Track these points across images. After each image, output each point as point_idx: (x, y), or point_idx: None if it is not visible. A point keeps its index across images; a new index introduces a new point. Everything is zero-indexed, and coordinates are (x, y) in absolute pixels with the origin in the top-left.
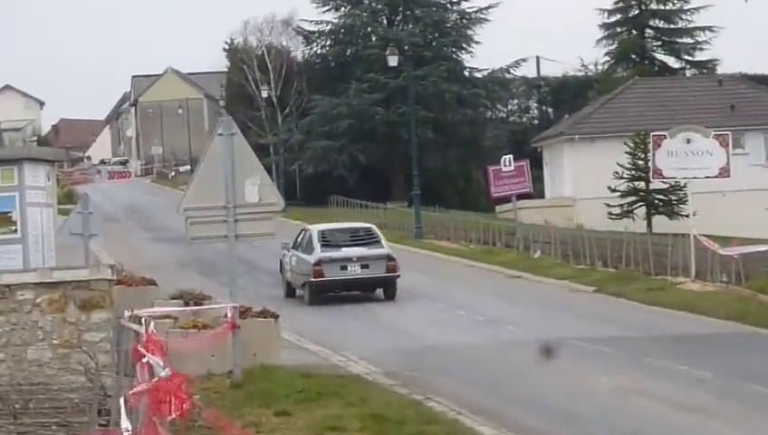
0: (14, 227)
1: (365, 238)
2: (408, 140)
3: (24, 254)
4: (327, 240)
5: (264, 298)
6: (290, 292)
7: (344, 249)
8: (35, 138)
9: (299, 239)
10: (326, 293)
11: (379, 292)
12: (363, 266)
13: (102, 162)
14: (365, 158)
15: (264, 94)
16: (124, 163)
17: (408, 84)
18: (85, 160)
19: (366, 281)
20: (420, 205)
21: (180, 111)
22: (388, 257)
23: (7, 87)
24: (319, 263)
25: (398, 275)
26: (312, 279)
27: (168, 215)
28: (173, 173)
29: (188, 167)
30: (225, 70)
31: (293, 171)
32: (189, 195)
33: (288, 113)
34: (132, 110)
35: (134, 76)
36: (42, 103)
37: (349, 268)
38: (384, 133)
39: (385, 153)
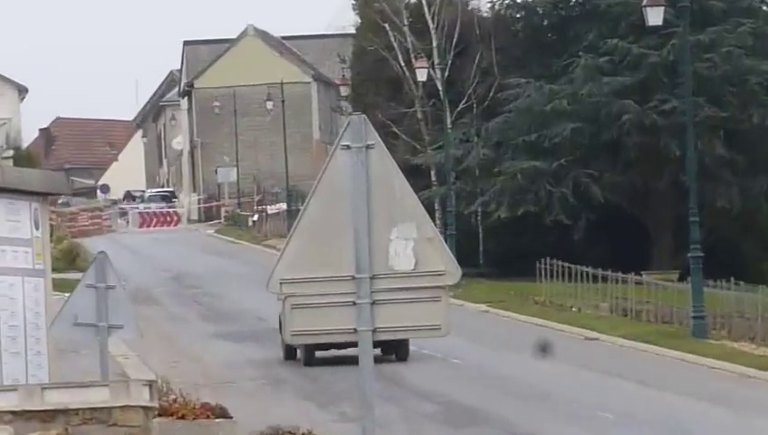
0: None
1: None
2: (679, 160)
3: None
4: None
5: None
6: (289, 353)
7: None
8: (10, 151)
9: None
10: (322, 349)
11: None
12: None
13: (130, 196)
14: (602, 190)
15: (422, 76)
16: (167, 198)
17: (680, 58)
18: (99, 193)
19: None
20: (702, 277)
21: (270, 104)
22: None
23: None
24: None
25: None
26: None
27: (247, 291)
28: (255, 216)
29: (283, 206)
30: (351, 32)
31: (473, 215)
32: (289, 257)
33: (464, 110)
34: (183, 102)
35: (187, 43)
36: (22, 91)
37: None
38: (637, 147)
39: (638, 183)
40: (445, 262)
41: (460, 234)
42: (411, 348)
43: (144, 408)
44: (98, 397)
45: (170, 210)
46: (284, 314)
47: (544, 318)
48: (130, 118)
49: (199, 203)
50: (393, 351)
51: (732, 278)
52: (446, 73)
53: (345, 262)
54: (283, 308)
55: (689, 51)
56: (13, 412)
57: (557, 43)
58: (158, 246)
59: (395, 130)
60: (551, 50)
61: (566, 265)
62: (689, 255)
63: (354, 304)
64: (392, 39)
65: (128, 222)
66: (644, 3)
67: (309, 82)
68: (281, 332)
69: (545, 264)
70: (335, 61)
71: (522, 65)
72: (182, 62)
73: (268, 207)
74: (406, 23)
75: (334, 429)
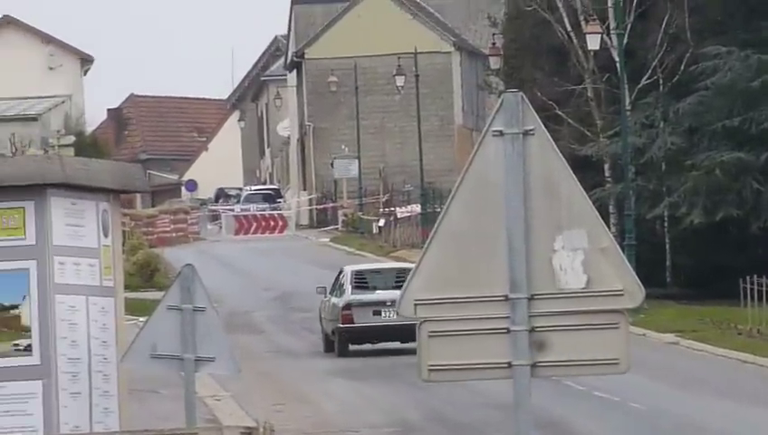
0: (23, 342)
1: (405, 281)
2: None
3: (47, 401)
4: (361, 282)
5: None
6: (329, 345)
7: (379, 292)
8: (71, 137)
9: (336, 282)
10: (357, 342)
11: None
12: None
13: (224, 194)
14: None
15: (594, 44)
16: (271, 198)
17: None
18: (185, 191)
19: (403, 328)
20: None
21: (401, 80)
22: None
23: (9, 20)
24: (348, 307)
25: None
26: (340, 325)
27: None
28: (381, 221)
29: (417, 208)
30: None
31: (658, 221)
32: (425, 272)
33: (647, 87)
34: (291, 76)
35: (296, 2)
36: (86, 61)
37: (383, 313)
38: None
39: None
40: (623, 279)
41: (642, 244)
42: (579, 387)
43: None
44: None
45: (274, 213)
46: (420, 344)
47: (751, 352)
48: (224, 97)
49: (311, 204)
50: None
51: None
52: (625, 41)
53: (497, 279)
54: (418, 335)
55: None
56: None
57: (767, 2)
58: (259, 258)
59: (559, 112)
60: (759, 10)
61: None
62: None
63: (508, 331)
64: None
65: (220, 228)
66: None
67: (450, 52)
68: (321, 323)
69: (752, 283)
70: (483, 25)
71: (722, 30)
72: (290, 27)
73: (398, 209)
74: None
75: None
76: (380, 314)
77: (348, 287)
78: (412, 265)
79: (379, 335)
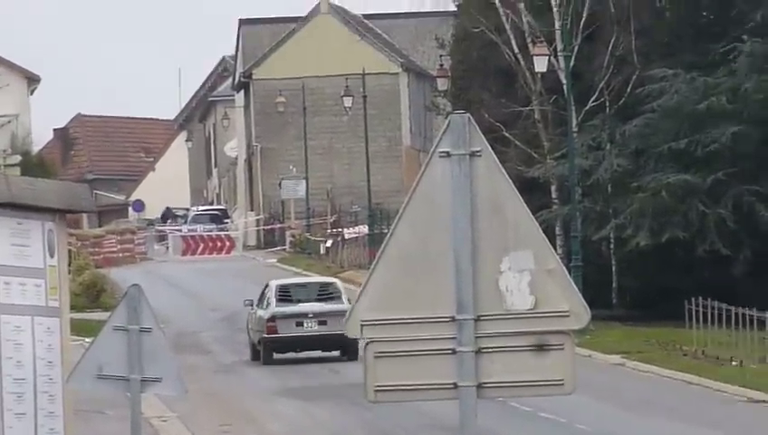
0: None
1: (326, 294)
2: None
3: None
4: (286, 295)
5: None
6: (255, 354)
7: (301, 304)
8: (17, 157)
9: (263, 295)
10: (281, 351)
11: None
12: (321, 323)
13: (172, 214)
14: None
15: (541, 66)
16: (218, 218)
17: None
18: (132, 211)
19: (323, 339)
20: None
21: (348, 100)
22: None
23: None
24: (273, 319)
25: None
26: (266, 335)
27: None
28: (328, 242)
29: (365, 229)
30: (452, 9)
31: (604, 242)
32: (372, 293)
33: (593, 109)
34: (238, 97)
35: (244, 22)
36: (33, 80)
37: (305, 325)
38: None
39: None
40: (569, 301)
41: (588, 266)
42: (525, 408)
43: None
44: None
45: (222, 234)
46: (366, 365)
47: (696, 373)
48: (171, 117)
49: (258, 225)
50: (338, 347)
51: None
52: (572, 63)
53: (443, 300)
54: (364, 356)
55: None
56: None
57: (714, 24)
58: (207, 278)
59: (506, 134)
60: (706, 33)
61: (724, 306)
62: None
63: (454, 352)
64: (504, 19)
65: (167, 248)
66: None
67: (397, 73)
68: (248, 335)
69: (697, 305)
70: (431, 46)
71: (669, 52)
72: (237, 47)
73: (345, 230)
74: None
75: None
76: (303, 326)
77: (273, 300)
78: (329, 280)
79: (301, 345)
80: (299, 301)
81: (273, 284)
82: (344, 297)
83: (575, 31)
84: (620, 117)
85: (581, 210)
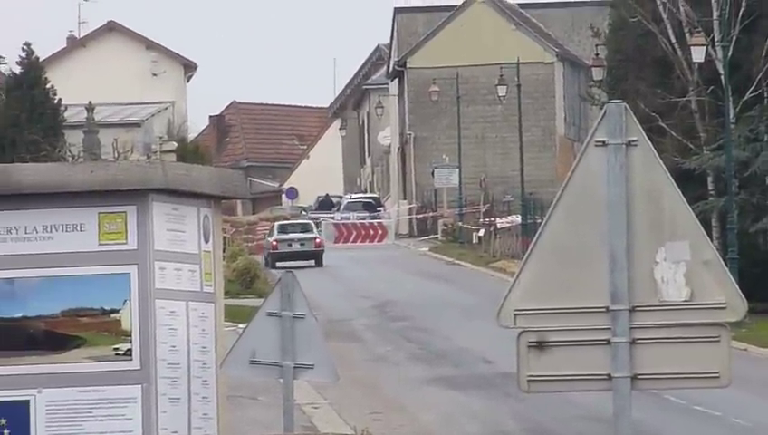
0: (123, 346)
1: (305, 228)
2: None
3: (146, 406)
4: (282, 230)
5: None
6: (266, 261)
7: (291, 234)
8: (173, 143)
9: (271, 229)
10: (279, 260)
11: None
12: (301, 244)
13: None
14: None
15: (698, 56)
16: (371, 206)
17: None
18: (285, 199)
19: (302, 253)
20: None
21: (502, 90)
22: (316, 239)
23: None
24: (275, 241)
25: (323, 250)
26: (271, 251)
27: (470, 326)
28: (481, 231)
29: (518, 218)
30: None
31: (760, 234)
32: (525, 283)
33: (752, 99)
34: (392, 85)
35: (399, 11)
36: (190, 68)
37: (293, 245)
38: None
39: None
40: (726, 292)
41: (744, 258)
42: (680, 402)
43: None
44: None
45: (374, 222)
46: (519, 354)
47: None
48: (326, 105)
49: (411, 213)
50: (312, 258)
51: None
52: (730, 53)
53: (597, 290)
54: (518, 346)
55: None
56: None
57: None
58: (359, 266)
59: (662, 124)
60: None
61: None
62: None
63: (608, 342)
64: (661, 8)
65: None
66: None
67: (552, 63)
68: (264, 251)
69: None
70: (587, 36)
71: None
72: (392, 36)
73: (498, 219)
74: None
75: None
76: (291, 246)
77: (275, 232)
78: (306, 221)
79: (290, 257)
80: (290, 232)
81: (276, 223)
82: (315, 230)
83: (733, 21)
84: None
85: (738, 202)
